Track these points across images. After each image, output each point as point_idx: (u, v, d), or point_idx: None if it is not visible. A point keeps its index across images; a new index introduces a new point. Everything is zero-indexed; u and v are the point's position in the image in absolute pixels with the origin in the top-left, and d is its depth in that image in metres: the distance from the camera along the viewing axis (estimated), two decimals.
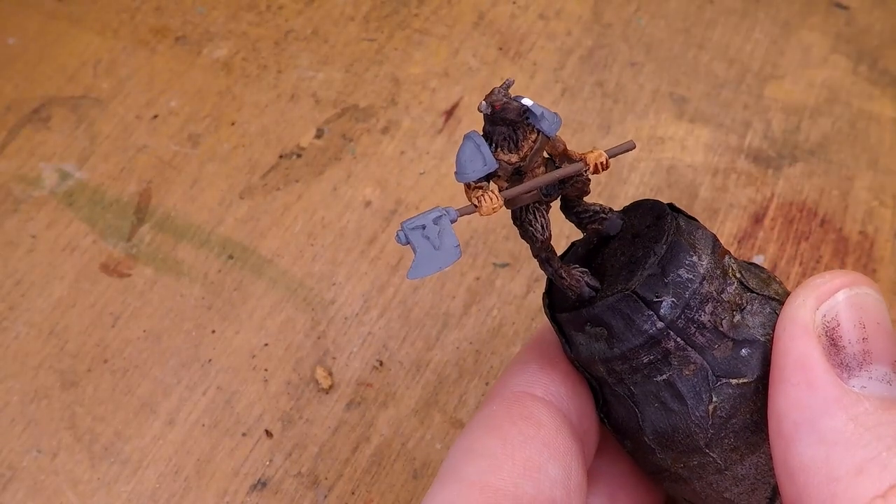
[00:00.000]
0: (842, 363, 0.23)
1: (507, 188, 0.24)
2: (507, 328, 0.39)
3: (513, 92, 0.24)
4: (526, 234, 0.26)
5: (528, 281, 0.40)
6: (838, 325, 0.24)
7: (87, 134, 0.46)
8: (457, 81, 0.47)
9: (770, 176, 0.43)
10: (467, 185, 0.24)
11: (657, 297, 0.24)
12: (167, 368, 0.39)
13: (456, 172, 0.24)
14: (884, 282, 0.40)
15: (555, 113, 0.24)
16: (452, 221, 0.24)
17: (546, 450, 0.25)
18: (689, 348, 0.25)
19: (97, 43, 0.49)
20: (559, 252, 0.27)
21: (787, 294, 0.26)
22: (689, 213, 0.27)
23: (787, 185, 0.42)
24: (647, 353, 0.25)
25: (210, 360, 0.39)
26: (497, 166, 0.24)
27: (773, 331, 0.25)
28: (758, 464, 0.26)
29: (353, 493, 0.36)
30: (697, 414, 0.25)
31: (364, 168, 0.44)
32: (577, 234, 0.29)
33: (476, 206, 0.24)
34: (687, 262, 0.25)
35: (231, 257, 0.42)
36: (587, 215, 0.27)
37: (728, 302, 0.25)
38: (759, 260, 0.40)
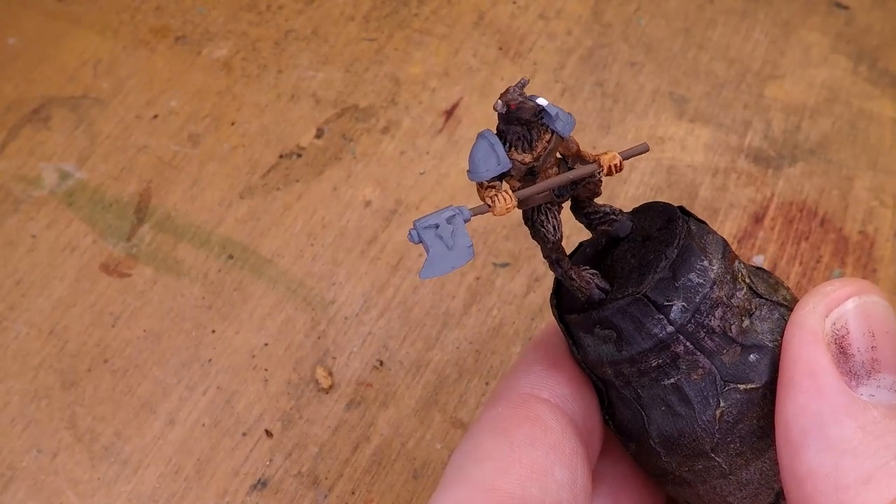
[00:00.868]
0: (850, 371, 0.23)
1: (519, 188, 0.24)
2: (507, 328, 0.39)
3: None
4: (537, 235, 0.26)
5: (529, 281, 0.40)
6: (847, 333, 0.24)
7: (87, 134, 0.46)
8: (457, 81, 0.47)
9: (770, 176, 0.43)
10: (480, 185, 0.24)
11: (668, 301, 0.24)
12: (167, 368, 0.39)
13: (469, 171, 0.24)
14: (884, 282, 0.40)
15: (569, 113, 0.24)
16: (466, 221, 0.23)
17: (553, 453, 0.25)
18: (698, 353, 0.24)
19: (97, 43, 0.49)
20: (567, 251, 0.27)
21: (795, 300, 0.26)
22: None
23: (787, 185, 0.42)
24: (655, 357, 0.25)
25: (210, 360, 0.39)
26: (511, 166, 0.24)
27: (782, 337, 0.25)
28: (762, 469, 0.26)
29: (353, 493, 0.36)
30: (704, 418, 0.25)
31: (364, 168, 0.44)
32: (578, 234, 0.29)
33: (490, 205, 0.24)
34: (698, 266, 0.25)
35: (231, 257, 0.42)
36: (597, 216, 0.27)
37: (737, 307, 0.25)
38: (759, 260, 0.40)
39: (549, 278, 0.40)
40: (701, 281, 0.24)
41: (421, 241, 0.23)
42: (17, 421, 0.38)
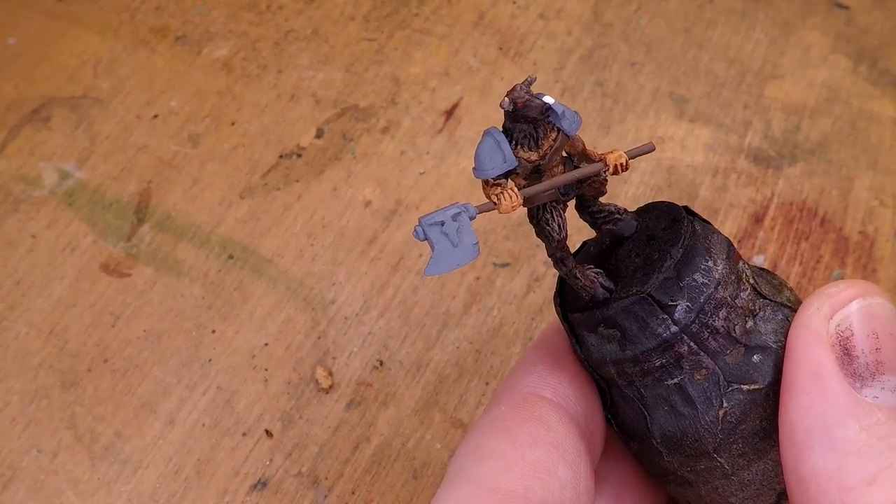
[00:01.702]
0: (854, 373, 0.23)
1: (524, 186, 0.24)
2: (507, 328, 0.39)
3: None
4: (542, 233, 0.26)
5: (529, 281, 0.40)
6: (852, 334, 0.24)
7: (87, 134, 0.46)
8: (457, 81, 0.47)
9: (770, 176, 0.43)
10: (485, 182, 0.24)
11: (672, 300, 0.24)
12: (167, 368, 0.39)
13: (474, 168, 0.23)
14: (884, 282, 0.40)
15: (575, 112, 0.24)
16: (471, 218, 0.23)
17: (556, 452, 0.25)
18: (702, 353, 0.24)
19: (97, 43, 0.49)
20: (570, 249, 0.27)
21: (799, 301, 0.26)
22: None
23: (787, 185, 0.42)
24: (659, 357, 0.25)
25: (210, 360, 0.39)
26: (517, 164, 0.24)
27: (785, 338, 0.25)
28: (764, 470, 0.26)
29: (353, 493, 0.36)
30: (707, 419, 0.25)
31: (364, 168, 0.44)
32: (582, 233, 0.29)
33: (495, 203, 0.24)
34: (702, 266, 0.25)
35: (231, 257, 0.42)
36: (602, 215, 0.27)
37: (741, 308, 0.25)
38: (759, 260, 0.40)
39: (549, 278, 0.40)
40: (705, 281, 0.24)
41: (426, 238, 0.23)
42: (17, 421, 0.38)
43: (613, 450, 0.29)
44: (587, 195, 0.26)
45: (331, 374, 0.38)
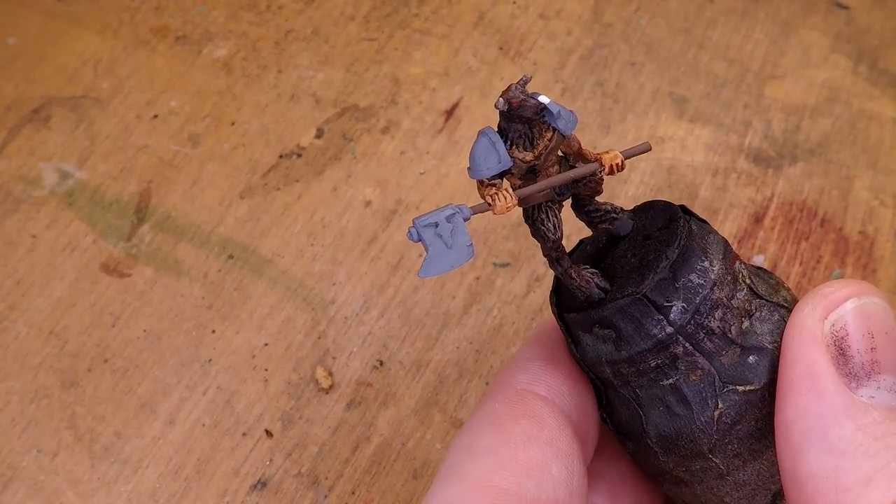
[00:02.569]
0: (850, 373, 0.23)
1: (520, 186, 0.24)
2: (507, 328, 0.39)
3: None
4: (537, 233, 0.26)
5: (529, 281, 0.40)
6: (847, 334, 0.24)
7: (87, 134, 0.46)
8: (457, 81, 0.47)
9: (770, 176, 0.43)
10: (480, 183, 0.24)
11: (668, 301, 0.24)
12: (167, 368, 0.39)
13: (469, 168, 0.23)
14: (884, 282, 0.40)
15: (571, 111, 0.24)
16: (466, 220, 0.23)
17: (549, 449, 0.25)
18: (697, 354, 0.24)
19: (97, 43, 0.49)
20: (567, 249, 0.27)
21: (796, 301, 0.26)
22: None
23: (787, 185, 0.42)
24: (654, 357, 0.25)
25: (210, 360, 0.39)
26: (512, 164, 0.23)
27: (781, 338, 0.25)
28: (759, 470, 0.26)
29: (353, 493, 0.36)
30: (702, 419, 0.25)
31: (364, 168, 0.44)
32: (578, 233, 0.29)
33: (490, 204, 0.23)
34: (698, 267, 0.25)
35: (231, 257, 0.42)
36: (598, 215, 0.27)
37: (737, 308, 0.25)
38: (759, 260, 0.40)
39: (549, 278, 0.40)
40: (701, 282, 0.24)
41: (420, 240, 0.23)
42: (17, 421, 0.38)
43: (609, 449, 0.29)
44: (583, 195, 0.26)
45: (331, 374, 0.38)
